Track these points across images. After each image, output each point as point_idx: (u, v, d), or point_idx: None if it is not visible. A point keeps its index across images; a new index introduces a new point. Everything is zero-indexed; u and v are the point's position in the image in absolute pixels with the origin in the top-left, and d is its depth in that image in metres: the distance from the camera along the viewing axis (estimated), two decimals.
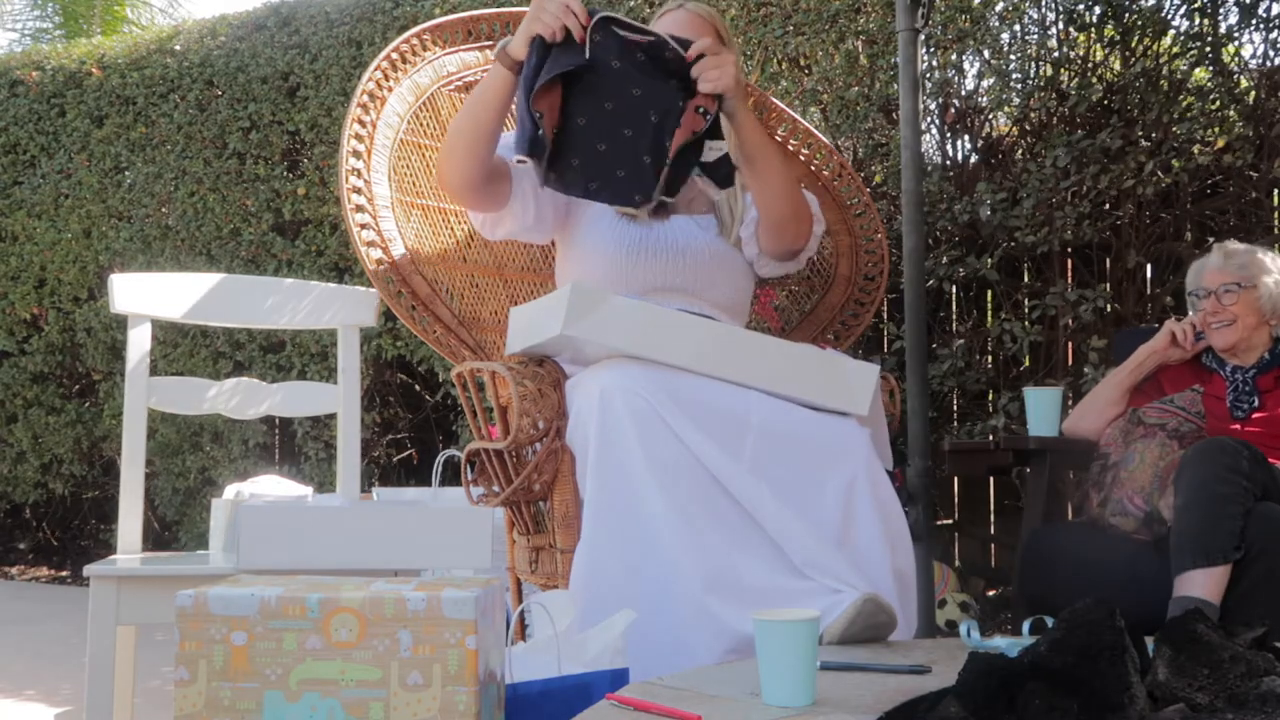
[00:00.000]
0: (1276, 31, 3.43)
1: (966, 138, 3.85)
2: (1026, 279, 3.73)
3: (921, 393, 2.92)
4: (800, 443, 2.09)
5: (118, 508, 2.28)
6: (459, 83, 2.65)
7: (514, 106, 2.22)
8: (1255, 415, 2.54)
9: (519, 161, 2.19)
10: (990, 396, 3.77)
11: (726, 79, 2.17)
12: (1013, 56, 3.67)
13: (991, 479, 3.96)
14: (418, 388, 4.90)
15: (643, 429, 1.98)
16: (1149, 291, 3.59)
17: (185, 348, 5.13)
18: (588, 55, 2.14)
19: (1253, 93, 3.48)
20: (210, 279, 2.42)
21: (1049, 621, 1.54)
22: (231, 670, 1.44)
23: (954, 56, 3.78)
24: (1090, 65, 3.63)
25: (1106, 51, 3.64)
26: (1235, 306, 2.58)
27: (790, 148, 2.87)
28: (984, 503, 4.06)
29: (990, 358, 3.75)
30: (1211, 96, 3.43)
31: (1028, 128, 3.71)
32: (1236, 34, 3.49)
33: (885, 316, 3.73)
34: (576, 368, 2.22)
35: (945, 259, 3.59)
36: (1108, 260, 3.62)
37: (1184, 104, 3.45)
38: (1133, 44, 3.58)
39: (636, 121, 2.18)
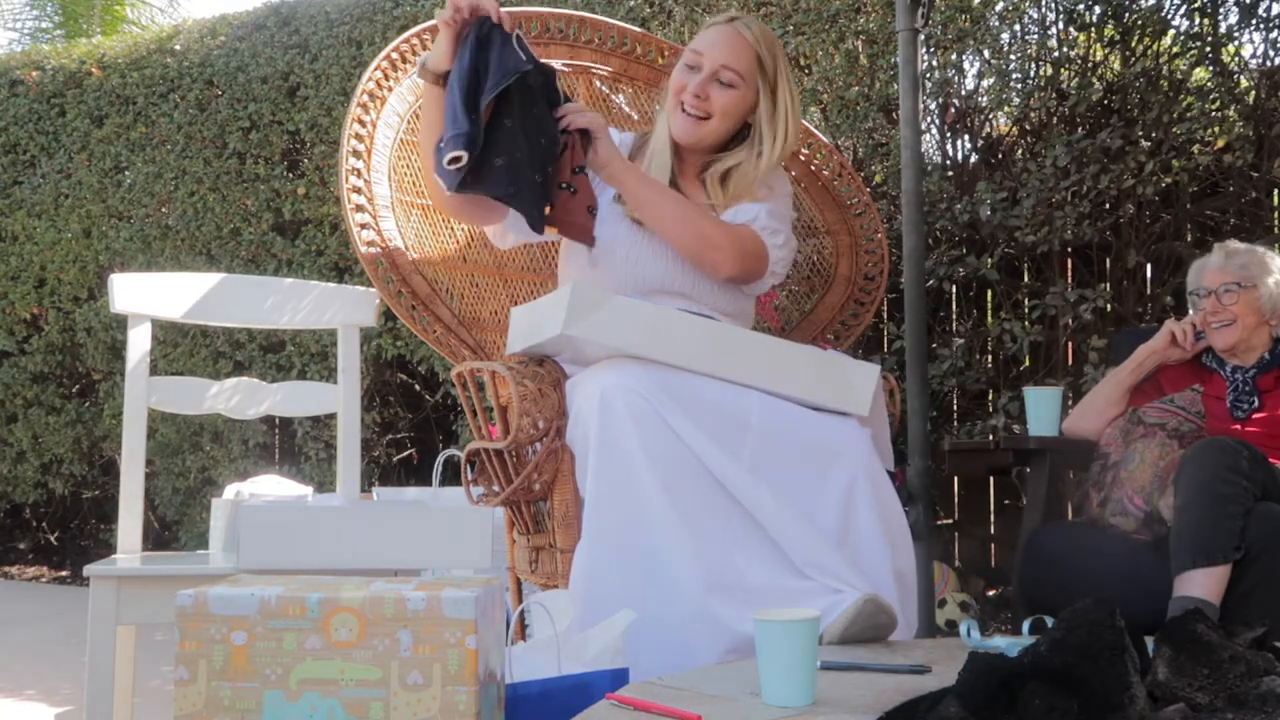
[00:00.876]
0: (1276, 31, 3.43)
1: (966, 138, 3.85)
2: (1026, 279, 3.73)
3: (921, 393, 2.92)
4: (800, 443, 2.09)
5: (118, 508, 2.28)
6: None
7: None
8: (1255, 415, 2.54)
9: (449, 162, 2.08)
10: (990, 396, 3.77)
11: (581, 118, 2.18)
12: (1013, 56, 3.67)
13: (991, 479, 3.96)
14: (418, 388, 4.90)
15: (643, 429, 1.98)
16: (1149, 291, 3.59)
17: (185, 348, 5.13)
18: (525, 59, 2.12)
19: (1253, 93, 3.48)
20: (210, 279, 2.42)
21: (1049, 621, 1.54)
22: (231, 670, 1.44)
23: (954, 56, 3.78)
24: (1090, 65, 3.63)
25: (1106, 51, 3.65)
26: (1236, 306, 2.58)
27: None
28: (984, 503, 4.06)
29: (990, 358, 3.75)
30: (1211, 96, 3.42)
31: (1028, 127, 3.71)
32: (1236, 34, 3.49)
33: (885, 316, 3.73)
34: (576, 367, 2.22)
35: (945, 259, 3.59)
36: (1108, 260, 3.62)
37: (1184, 104, 3.45)
38: (1133, 44, 3.58)
39: (543, 135, 2.17)
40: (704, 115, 2.34)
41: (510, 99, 2.11)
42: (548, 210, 2.19)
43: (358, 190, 2.43)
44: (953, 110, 3.82)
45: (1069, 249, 3.64)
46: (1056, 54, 3.64)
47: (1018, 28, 3.70)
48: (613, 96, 2.80)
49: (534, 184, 2.14)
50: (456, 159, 2.07)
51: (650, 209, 2.27)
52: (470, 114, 2.08)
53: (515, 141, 2.12)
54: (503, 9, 2.15)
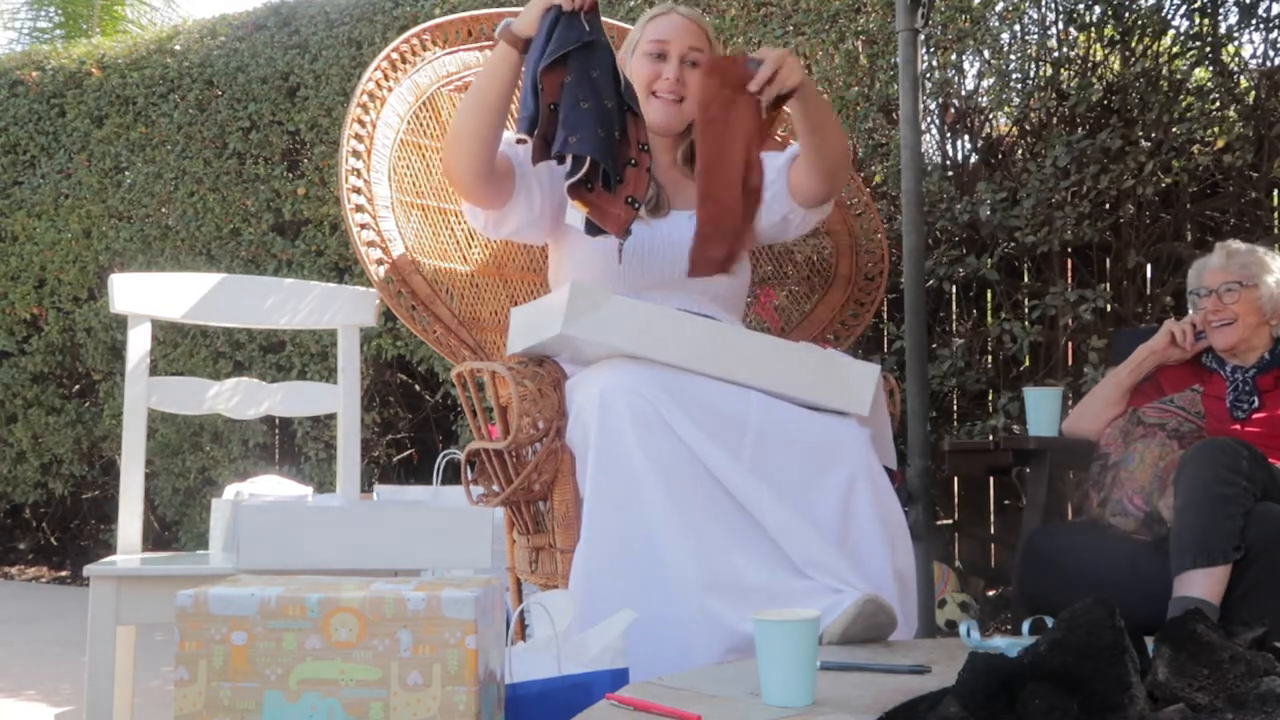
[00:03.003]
0: (1276, 31, 3.43)
1: (966, 138, 3.85)
2: (1026, 279, 3.73)
3: (921, 393, 2.92)
4: (799, 443, 2.09)
5: (118, 508, 2.28)
6: (459, 83, 2.65)
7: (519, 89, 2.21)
8: (1255, 415, 2.54)
9: (519, 141, 2.16)
10: (990, 396, 3.77)
11: (796, 73, 2.17)
12: (1013, 56, 3.67)
13: (991, 479, 3.96)
14: (418, 388, 4.90)
15: (643, 429, 1.98)
16: (1149, 291, 3.59)
17: (185, 348, 5.13)
18: (588, 29, 2.14)
19: (1253, 93, 3.48)
20: (210, 279, 2.42)
21: (1049, 621, 1.54)
22: (231, 670, 1.44)
23: (954, 56, 3.78)
24: (1090, 65, 3.63)
25: (1106, 51, 3.64)
26: (1236, 306, 2.58)
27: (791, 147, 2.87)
28: (984, 503, 4.06)
29: (990, 358, 3.75)
30: (1211, 96, 3.42)
31: (1028, 128, 3.71)
32: (1236, 34, 3.49)
33: (885, 316, 3.73)
34: (576, 368, 2.22)
35: (945, 259, 3.59)
36: (1108, 260, 3.62)
37: (1184, 104, 3.45)
38: (1133, 44, 3.58)
39: (609, 97, 2.17)
40: (679, 98, 2.40)
41: (569, 64, 2.13)
42: (589, 194, 2.16)
43: (358, 190, 2.43)
44: (953, 110, 3.82)
45: (1069, 249, 3.64)
46: (1056, 54, 3.64)
47: (1018, 28, 3.70)
48: None
49: (600, 139, 2.12)
50: (522, 140, 2.15)
51: (828, 131, 2.31)
52: (534, 93, 2.12)
53: (574, 95, 2.13)
54: (516, 7, 2.18)
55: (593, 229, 2.19)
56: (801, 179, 2.40)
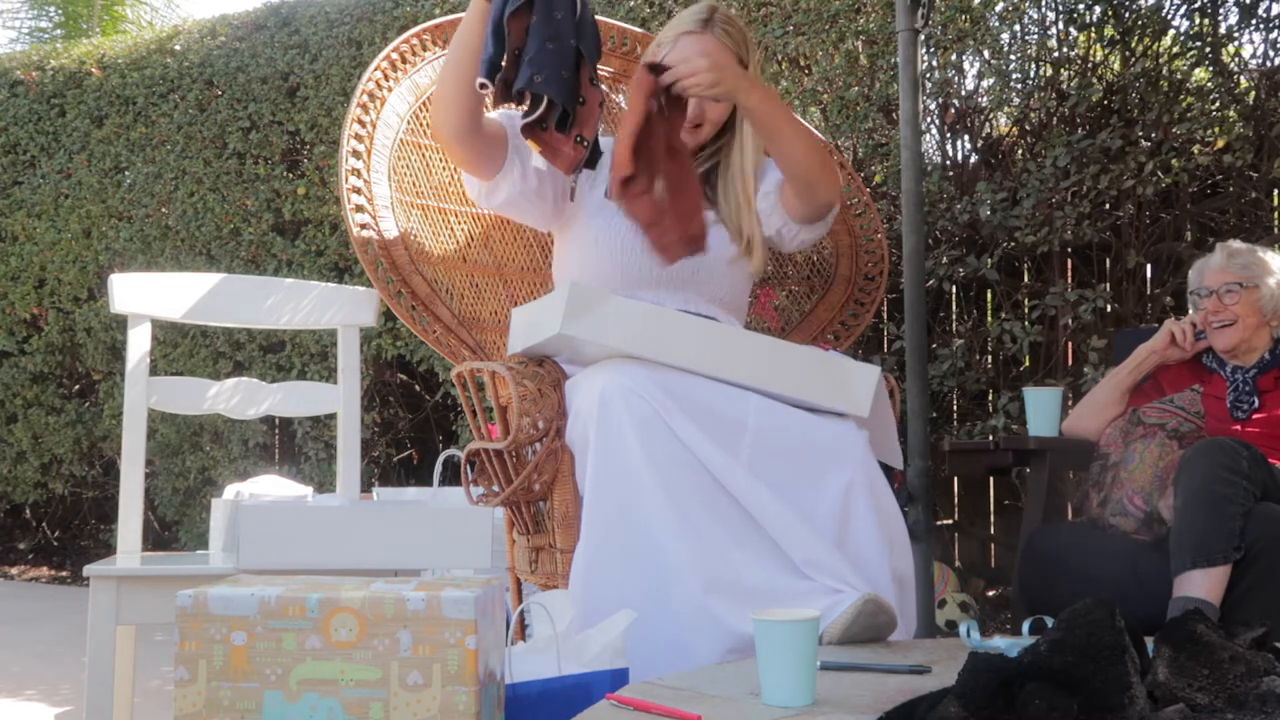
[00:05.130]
0: (1276, 31, 3.43)
1: (966, 138, 3.85)
2: (1026, 279, 3.73)
3: (921, 393, 2.91)
4: (797, 445, 2.09)
5: (118, 508, 2.28)
6: None
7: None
8: (1255, 415, 2.54)
9: (481, 87, 2.14)
10: (990, 396, 3.77)
11: (704, 81, 2.18)
12: (1013, 56, 3.67)
13: (991, 479, 3.96)
14: (418, 388, 4.90)
15: (643, 429, 1.98)
16: (1149, 291, 3.59)
17: (185, 348, 5.13)
18: None
19: (1253, 93, 3.49)
20: (210, 279, 2.42)
21: (1049, 621, 1.54)
22: (231, 670, 1.44)
23: (954, 56, 3.78)
24: (1090, 65, 3.63)
25: (1106, 51, 3.65)
26: (1237, 306, 2.58)
27: None
28: (984, 503, 4.06)
29: (990, 358, 3.75)
30: (1211, 96, 3.43)
31: (1028, 128, 3.71)
32: (1236, 34, 3.50)
33: (885, 316, 3.73)
34: (576, 368, 2.22)
35: (945, 259, 3.59)
36: (1108, 260, 3.62)
37: (1184, 104, 3.45)
38: (1133, 44, 3.58)
39: (570, 36, 2.17)
40: (696, 124, 2.38)
41: (535, 6, 2.14)
42: (543, 133, 2.17)
43: (358, 190, 2.43)
44: (953, 110, 3.82)
45: (1069, 249, 3.64)
46: (1056, 54, 3.64)
47: (1018, 28, 3.70)
48: (613, 96, 2.80)
49: (562, 79, 2.13)
50: (483, 85, 2.13)
51: (784, 133, 2.30)
52: (496, 38, 2.12)
53: (540, 36, 2.13)
54: None
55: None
56: (785, 192, 2.41)
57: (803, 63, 3.98)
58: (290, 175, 4.98)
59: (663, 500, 1.96)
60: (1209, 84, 3.47)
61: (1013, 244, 3.55)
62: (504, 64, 2.12)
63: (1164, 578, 2.18)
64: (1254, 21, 3.44)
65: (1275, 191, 3.54)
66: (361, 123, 2.47)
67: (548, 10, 2.14)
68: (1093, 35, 3.64)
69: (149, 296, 2.35)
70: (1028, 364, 3.65)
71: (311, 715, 1.43)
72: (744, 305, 2.52)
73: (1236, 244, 2.65)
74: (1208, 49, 3.47)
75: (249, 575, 1.62)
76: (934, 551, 2.88)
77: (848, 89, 3.79)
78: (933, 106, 3.79)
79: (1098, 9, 3.57)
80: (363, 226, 2.41)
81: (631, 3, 4.20)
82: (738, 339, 2.16)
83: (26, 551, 6.16)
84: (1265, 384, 2.57)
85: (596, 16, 2.83)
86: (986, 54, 3.72)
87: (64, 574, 5.66)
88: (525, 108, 2.15)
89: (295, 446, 5.03)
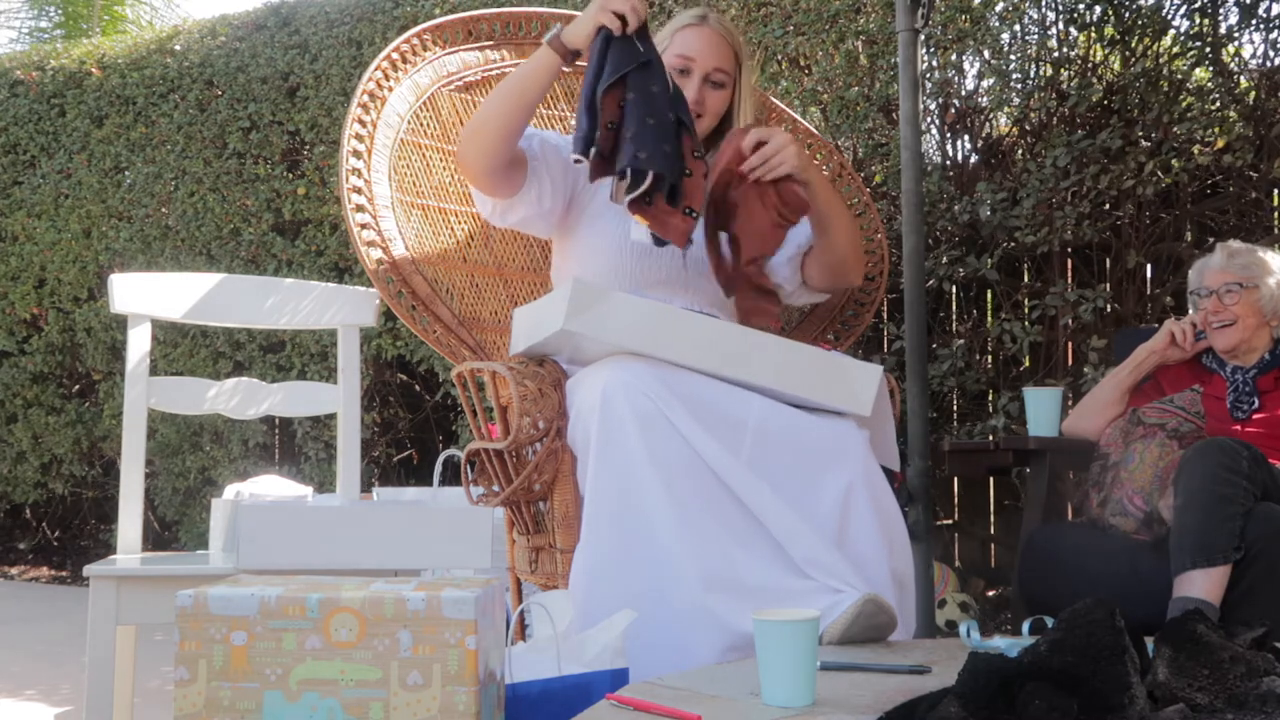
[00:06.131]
0: (1276, 31, 3.43)
1: (966, 138, 3.85)
2: (1026, 279, 3.73)
3: (921, 393, 2.91)
4: (797, 445, 2.09)
5: (118, 508, 2.28)
6: (459, 83, 2.65)
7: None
8: (1255, 416, 2.54)
9: (575, 161, 2.20)
10: (990, 396, 3.77)
11: (789, 159, 2.23)
12: (1013, 56, 3.67)
13: (991, 479, 3.96)
14: (418, 388, 4.90)
15: (645, 426, 1.98)
16: (1149, 291, 3.59)
17: (185, 348, 5.13)
18: (642, 50, 2.18)
19: (1253, 93, 3.48)
20: (210, 279, 2.42)
21: (1049, 621, 1.54)
22: (231, 670, 1.44)
23: (954, 56, 3.78)
24: (1090, 65, 3.63)
25: (1106, 51, 3.65)
26: (1237, 307, 2.58)
27: None
28: (984, 503, 4.06)
29: (990, 358, 3.75)
30: (1211, 96, 3.43)
31: (1028, 128, 3.71)
32: (1236, 34, 3.50)
33: (885, 316, 3.73)
34: (576, 367, 2.22)
35: (945, 259, 3.59)
36: (1108, 260, 3.62)
37: (1184, 104, 3.45)
38: (1133, 44, 3.58)
39: (669, 110, 2.21)
40: (697, 115, 2.38)
41: (629, 84, 2.17)
42: (650, 208, 2.20)
43: (358, 190, 2.43)
44: (953, 110, 3.82)
45: (1069, 249, 3.64)
46: (1056, 54, 3.64)
47: (1018, 28, 3.70)
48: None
49: (665, 154, 2.17)
50: (578, 160, 2.19)
51: (836, 224, 2.39)
52: (589, 114, 2.16)
53: (639, 112, 2.17)
54: (561, 9, 2.18)
55: (658, 242, 2.25)
56: (808, 263, 2.48)
57: (803, 63, 3.98)
58: (290, 175, 4.98)
59: (663, 497, 1.96)
60: (1209, 84, 3.47)
61: (1013, 244, 3.55)
62: (599, 136, 2.15)
63: (1164, 578, 2.18)
64: (1254, 21, 3.44)
65: (1275, 191, 3.54)
66: (362, 122, 2.47)
67: (644, 85, 2.18)
68: (1093, 35, 3.64)
69: (149, 296, 2.35)
70: (1028, 364, 3.65)
71: (311, 715, 1.43)
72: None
73: (1236, 244, 2.65)
74: (1208, 49, 3.47)
75: (249, 575, 1.62)
76: (934, 551, 2.88)
77: (848, 89, 3.79)
78: (933, 106, 3.78)
79: (1098, 9, 3.57)
80: (363, 226, 2.41)
81: None
82: (741, 337, 2.16)
83: (26, 551, 6.16)
84: (1265, 384, 2.57)
85: None
86: (986, 54, 3.72)
87: (64, 574, 5.66)
88: (627, 183, 2.17)
89: (295, 446, 5.03)
